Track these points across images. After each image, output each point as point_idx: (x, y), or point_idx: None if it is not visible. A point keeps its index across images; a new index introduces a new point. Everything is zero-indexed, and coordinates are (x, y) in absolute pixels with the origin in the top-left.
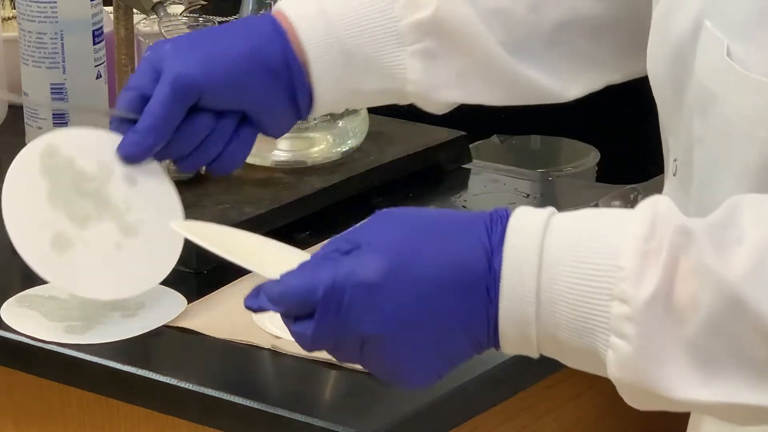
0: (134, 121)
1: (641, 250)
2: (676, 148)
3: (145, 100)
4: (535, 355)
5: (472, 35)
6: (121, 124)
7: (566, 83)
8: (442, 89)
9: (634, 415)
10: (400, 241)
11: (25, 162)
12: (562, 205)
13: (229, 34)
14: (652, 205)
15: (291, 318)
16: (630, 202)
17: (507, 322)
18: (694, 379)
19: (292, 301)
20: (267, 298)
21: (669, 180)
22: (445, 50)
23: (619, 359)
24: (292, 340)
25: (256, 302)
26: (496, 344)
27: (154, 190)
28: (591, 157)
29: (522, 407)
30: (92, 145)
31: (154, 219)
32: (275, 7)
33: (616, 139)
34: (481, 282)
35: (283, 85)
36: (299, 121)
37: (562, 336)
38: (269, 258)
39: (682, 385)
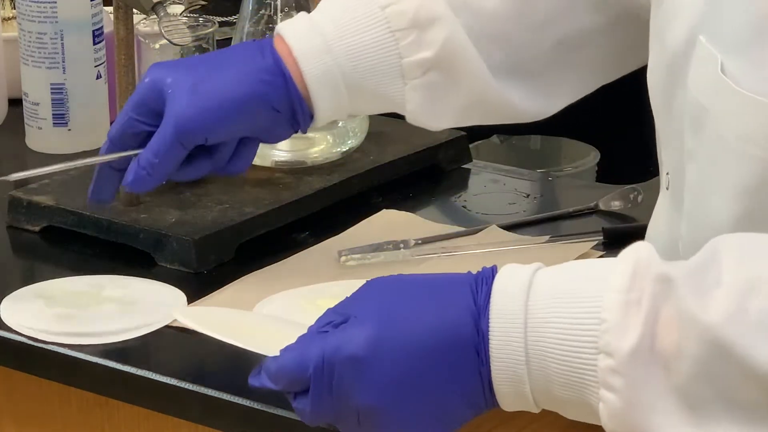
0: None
1: (622, 301)
2: (668, 161)
3: (143, 134)
4: (535, 410)
5: (470, 71)
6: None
7: (556, 99)
8: (438, 118)
9: None
10: (385, 310)
11: None
12: (562, 205)
13: (232, 72)
14: (633, 254)
15: (291, 394)
16: (630, 202)
17: (501, 382)
18: (684, 426)
19: (286, 379)
20: (266, 375)
21: (662, 193)
22: (444, 85)
23: (609, 411)
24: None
25: (257, 380)
26: (494, 404)
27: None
28: (591, 157)
29: None
30: None
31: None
32: (278, 32)
33: (616, 139)
34: (470, 345)
35: (286, 118)
36: None
37: (556, 391)
38: (271, 335)
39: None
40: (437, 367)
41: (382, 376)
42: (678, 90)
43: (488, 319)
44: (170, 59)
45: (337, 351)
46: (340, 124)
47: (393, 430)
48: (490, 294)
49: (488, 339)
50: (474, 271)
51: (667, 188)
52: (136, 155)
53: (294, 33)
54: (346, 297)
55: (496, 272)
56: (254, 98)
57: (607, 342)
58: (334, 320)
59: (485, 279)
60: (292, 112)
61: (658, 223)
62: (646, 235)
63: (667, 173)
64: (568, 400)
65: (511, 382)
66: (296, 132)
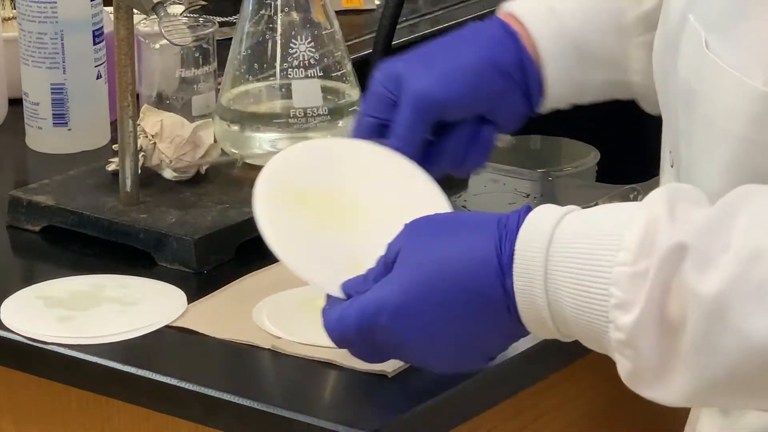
0: None
1: (629, 273)
2: (669, 140)
3: (381, 126)
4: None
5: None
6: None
7: None
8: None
9: (634, 415)
10: (415, 272)
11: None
12: (562, 204)
13: (462, 44)
14: (645, 215)
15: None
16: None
17: (532, 328)
18: (690, 392)
19: (333, 337)
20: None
21: (669, 171)
22: None
23: (625, 374)
24: (292, 339)
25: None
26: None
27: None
28: (591, 157)
29: (522, 407)
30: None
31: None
32: (502, 10)
33: (616, 139)
34: (500, 302)
35: (518, 86)
36: (299, 122)
37: (584, 342)
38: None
39: (679, 397)
40: (470, 321)
41: (412, 335)
42: (671, 71)
43: (512, 279)
44: (171, 59)
45: (372, 316)
46: (340, 124)
47: (436, 367)
48: (513, 251)
49: (514, 296)
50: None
51: (672, 166)
52: None
53: (517, 4)
54: (389, 243)
55: (521, 224)
56: (485, 62)
57: (615, 317)
58: (375, 275)
59: (509, 233)
60: (524, 78)
61: None
62: None
63: (670, 151)
64: (594, 348)
65: (541, 329)
66: (530, 112)
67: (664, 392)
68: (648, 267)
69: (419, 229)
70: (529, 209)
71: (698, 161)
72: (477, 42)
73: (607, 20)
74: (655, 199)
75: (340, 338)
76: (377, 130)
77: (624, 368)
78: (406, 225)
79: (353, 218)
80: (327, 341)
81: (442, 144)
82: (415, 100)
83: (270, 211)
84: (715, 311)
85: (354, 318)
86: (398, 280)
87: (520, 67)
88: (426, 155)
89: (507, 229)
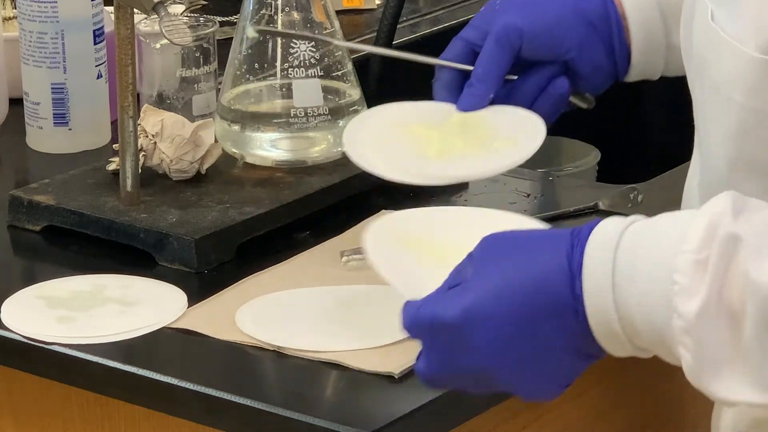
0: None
1: (692, 261)
2: (695, 110)
3: (472, 51)
4: (643, 355)
5: None
6: (446, 73)
7: None
8: None
9: (634, 415)
10: (486, 276)
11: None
12: (562, 204)
13: None
14: (710, 209)
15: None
16: (630, 202)
17: (601, 336)
18: (748, 384)
19: (410, 334)
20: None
21: (697, 138)
22: None
23: (686, 368)
24: (269, 342)
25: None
26: (602, 351)
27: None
28: (591, 157)
29: (522, 407)
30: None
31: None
32: None
33: (616, 139)
34: (569, 308)
35: (602, 38)
36: (299, 122)
37: (648, 346)
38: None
39: (737, 389)
40: (538, 329)
41: (480, 341)
42: (689, 42)
43: (581, 281)
44: (172, 59)
45: (438, 317)
46: (340, 124)
47: (509, 387)
48: (582, 255)
49: (583, 300)
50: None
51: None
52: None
53: None
54: (469, 253)
55: (592, 230)
56: (572, 9)
57: (677, 304)
58: (451, 283)
59: (580, 240)
60: (608, 30)
61: (694, 163)
62: (688, 175)
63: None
64: (659, 352)
65: (608, 336)
66: (615, 74)
67: (725, 385)
68: (709, 255)
69: (494, 242)
70: (599, 221)
71: (709, 129)
72: None
73: None
74: (720, 199)
75: (413, 327)
76: (466, 54)
77: (686, 361)
78: (482, 239)
79: (454, 257)
80: (304, 344)
81: (517, 83)
82: (498, 29)
83: (376, 241)
84: None
85: (427, 313)
86: (472, 286)
87: (605, 18)
88: (502, 93)
89: (578, 238)
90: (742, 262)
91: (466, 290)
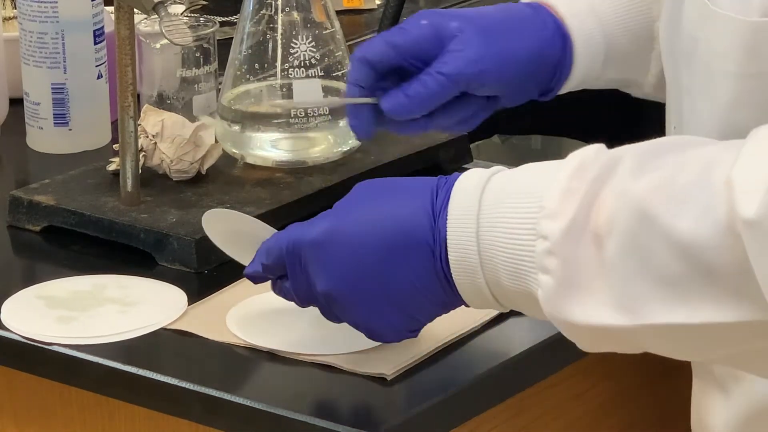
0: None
1: (563, 188)
2: (674, 113)
3: (398, 72)
4: (497, 307)
5: None
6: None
7: None
8: None
9: (634, 415)
10: (351, 206)
11: None
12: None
13: (518, 30)
14: (582, 151)
15: (276, 280)
16: None
17: (458, 273)
18: (610, 307)
19: (267, 259)
20: (257, 259)
21: None
22: None
23: (545, 294)
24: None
25: (251, 267)
26: (458, 299)
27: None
28: None
29: (522, 407)
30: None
31: None
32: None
33: (616, 139)
34: (424, 240)
35: (545, 80)
36: (299, 122)
37: (505, 282)
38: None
39: (599, 311)
40: (393, 262)
41: (337, 262)
42: (676, 31)
43: (446, 214)
44: (172, 59)
45: (302, 236)
46: (340, 124)
47: (354, 317)
48: (450, 193)
49: (445, 231)
50: None
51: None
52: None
53: None
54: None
55: (461, 175)
56: (537, 54)
57: (544, 226)
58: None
59: (446, 181)
60: (558, 75)
61: None
62: None
63: (674, 127)
64: (515, 291)
65: (466, 273)
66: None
67: (587, 308)
68: (579, 185)
69: (366, 184)
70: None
71: (699, 111)
72: (531, 34)
73: (640, 26)
74: (588, 147)
75: (273, 252)
76: (394, 70)
77: (546, 287)
78: (355, 185)
79: None
80: (296, 347)
81: (446, 108)
82: (458, 74)
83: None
84: (643, 209)
85: (285, 237)
86: (335, 213)
87: (560, 64)
88: (439, 121)
89: (446, 180)
90: (618, 182)
91: (328, 215)
